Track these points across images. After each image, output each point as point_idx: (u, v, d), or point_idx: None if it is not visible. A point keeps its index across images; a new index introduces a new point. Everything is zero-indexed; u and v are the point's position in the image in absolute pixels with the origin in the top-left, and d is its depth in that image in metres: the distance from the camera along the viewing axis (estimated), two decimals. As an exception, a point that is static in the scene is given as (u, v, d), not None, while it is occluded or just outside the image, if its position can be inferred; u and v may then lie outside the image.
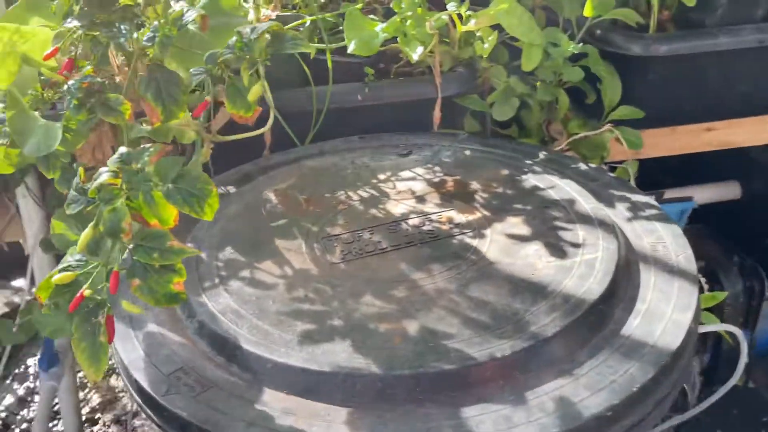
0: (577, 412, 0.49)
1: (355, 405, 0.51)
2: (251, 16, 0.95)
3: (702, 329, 0.58)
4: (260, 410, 0.51)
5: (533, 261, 0.64)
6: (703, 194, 1.28)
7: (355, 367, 0.53)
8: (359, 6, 1.01)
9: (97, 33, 0.55)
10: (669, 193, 1.24)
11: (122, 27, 0.55)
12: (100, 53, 0.57)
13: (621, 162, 1.09)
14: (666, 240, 0.68)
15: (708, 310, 0.94)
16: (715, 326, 0.59)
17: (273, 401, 0.52)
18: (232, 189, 0.84)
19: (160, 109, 0.56)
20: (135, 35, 0.55)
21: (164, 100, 0.55)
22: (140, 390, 0.54)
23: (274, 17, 1.04)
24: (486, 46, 0.94)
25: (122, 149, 0.51)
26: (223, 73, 0.55)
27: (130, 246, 0.52)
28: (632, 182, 1.08)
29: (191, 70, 0.57)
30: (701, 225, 1.25)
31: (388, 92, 0.95)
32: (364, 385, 0.52)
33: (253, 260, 0.68)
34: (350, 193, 0.79)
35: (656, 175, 1.23)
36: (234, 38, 0.53)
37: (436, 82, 0.94)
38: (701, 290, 1.11)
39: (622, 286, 0.62)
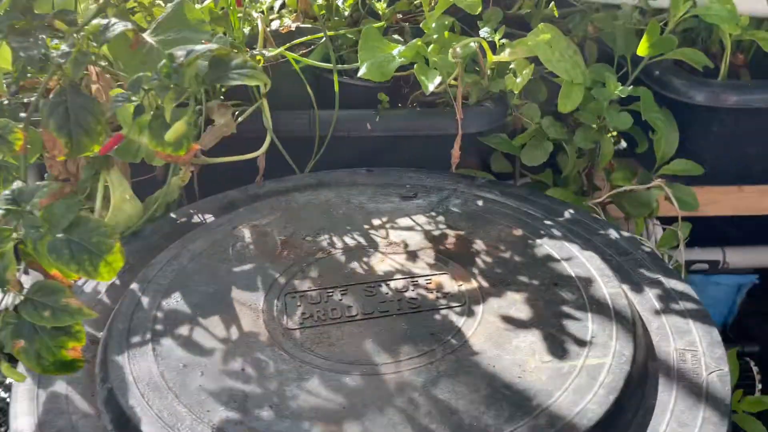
0: None
1: None
2: (260, 26, 0.87)
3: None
4: None
5: (524, 358, 0.52)
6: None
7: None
8: (381, 24, 0.91)
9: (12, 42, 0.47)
10: (730, 253, 1.07)
11: (41, 37, 0.47)
12: (20, 65, 0.49)
13: (674, 219, 0.93)
14: (699, 347, 0.54)
15: (755, 415, 0.79)
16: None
17: None
18: (210, 218, 0.75)
19: (63, 141, 0.47)
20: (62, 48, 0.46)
21: (71, 131, 0.46)
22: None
23: (293, 29, 0.96)
24: (519, 80, 0.82)
25: (17, 183, 0.43)
26: (150, 101, 0.46)
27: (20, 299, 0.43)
28: (682, 248, 0.93)
29: (113, 96, 0.48)
30: (761, 301, 1.08)
31: (401, 123, 0.85)
32: None
33: (198, 314, 0.58)
34: (335, 239, 0.69)
35: (719, 229, 1.07)
36: (163, 61, 0.44)
37: (457, 117, 0.83)
38: (751, 386, 0.95)
39: (630, 409, 0.49)
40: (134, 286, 0.61)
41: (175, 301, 0.60)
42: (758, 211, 1.02)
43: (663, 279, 0.62)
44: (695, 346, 0.54)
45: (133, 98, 0.45)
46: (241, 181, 0.84)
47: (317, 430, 0.46)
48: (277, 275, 0.63)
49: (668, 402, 0.49)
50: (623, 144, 1.00)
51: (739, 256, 1.06)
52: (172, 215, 0.76)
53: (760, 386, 0.96)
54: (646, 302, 0.60)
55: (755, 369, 0.96)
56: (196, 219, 0.76)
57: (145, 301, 0.59)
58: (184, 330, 0.56)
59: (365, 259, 0.66)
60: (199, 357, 0.53)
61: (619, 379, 0.49)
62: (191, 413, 0.48)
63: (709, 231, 1.02)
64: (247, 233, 0.70)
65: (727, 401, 0.48)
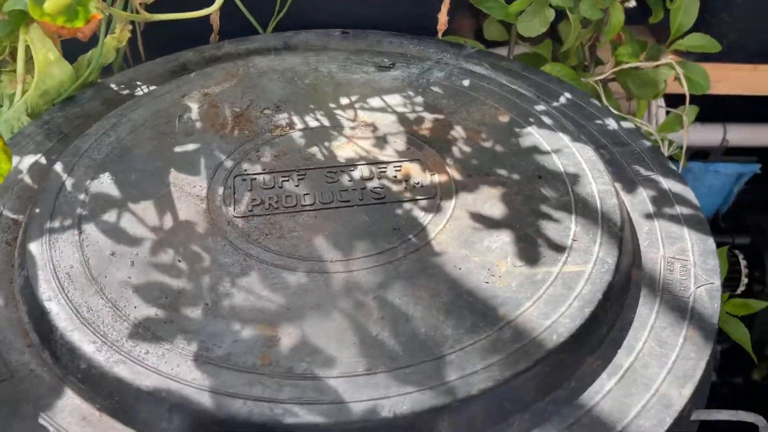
0: None
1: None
2: None
3: (704, 415, 0.41)
4: (47, 428, 0.38)
5: (494, 262, 0.46)
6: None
7: (185, 394, 0.38)
8: None
9: None
10: (731, 130, 0.99)
11: None
12: None
13: (678, 98, 0.85)
14: (690, 256, 0.48)
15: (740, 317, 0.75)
16: (725, 413, 0.41)
17: (72, 415, 0.38)
18: (158, 83, 0.66)
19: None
20: None
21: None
22: None
23: None
24: (521, -70, 0.70)
25: None
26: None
27: None
28: (686, 134, 0.86)
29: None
30: (758, 187, 1.01)
31: (381, -21, 0.73)
32: (194, 424, 0.37)
33: (133, 196, 0.51)
34: (296, 115, 0.61)
35: (723, 106, 0.99)
36: None
37: (446, -26, 0.71)
38: (734, 285, 0.91)
39: (606, 323, 0.44)
40: (63, 161, 0.54)
41: (108, 180, 0.53)
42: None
43: (661, 178, 0.55)
44: (686, 255, 0.48)
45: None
46: (196, 41, 0.74)
47: (253, 334, 0.41)
48: (226, 154, 0.56)
49: (648, 316, 0.44)
50: (632, 2, 0.88)
51: (739, 134, 1.00)
52: (114, 78, 0.67)
53: (745, 281, 0.92)
54: (638, 202, 0.54)
55: (743, 263, 0.92)
56: (141, 83, 0.67)
57: (73, 178, 0.52)
58: (115, 214, 0.50)
59: (328, 141, 0.58)
60: (130, 246, 0.47)
61: (598, 291, 0.44)
62: (114, 309, 0.42)
63: (713, 107, 0.95)
64: (196, 103, 0.62)
65: (714, 320, 0.44)
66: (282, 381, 0.38)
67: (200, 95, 0.63)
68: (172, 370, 0.39)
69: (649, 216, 0.52)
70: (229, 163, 0.55)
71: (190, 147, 0.57)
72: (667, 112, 0.90)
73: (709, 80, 0.83)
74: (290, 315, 0.43)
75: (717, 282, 0.46)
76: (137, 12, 0.63)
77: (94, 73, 0.62)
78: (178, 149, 0.56)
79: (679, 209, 0.52)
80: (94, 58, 0.61)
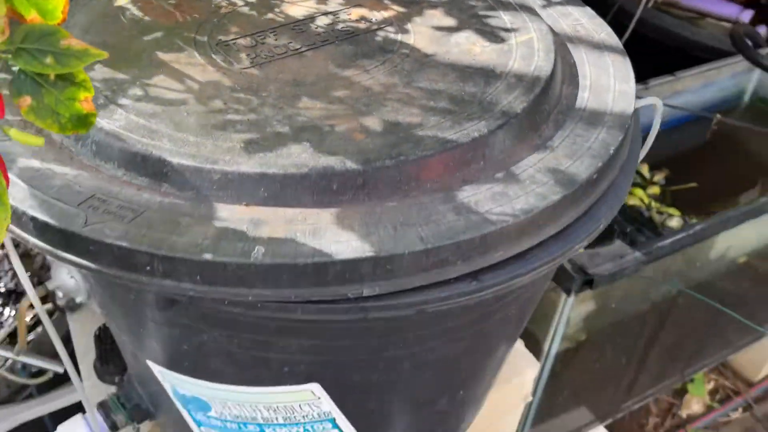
0: (568, 178, 0.47)
1: (335, 206, 0.44)
2: None
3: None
4: (222, 226, 0.41)
5: (469, 47, 0.59)
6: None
7: (326, 165, 0.44)
8: None
9: None
10: None
11: None
12: None
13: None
14: (583, 21, 0.66)
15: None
16: (642, 101, 0.59)
17: (233, 215, 0.42)
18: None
19: None
20: None
21: None
22: (45, 229, 0.41)
23: None
24: None
25: None
26: None
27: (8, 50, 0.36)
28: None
29: None
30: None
31: None
32: (342, 182, 0.44)
33: (138, 74, 0.53)
34: (229, -3, 0.65)
35: None
36: None
37: None
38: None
39: (563, 63, 0.59)
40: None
41: (100, 69, 0.53)
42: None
43: (532, -17, 0.72)
44: (580, 21, 0.66)
45: None
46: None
47: (339, 128, 0.48)
48: (192, 34, 0.59)
49: (581, 57, 0.61)
50: None
51: None
52: None
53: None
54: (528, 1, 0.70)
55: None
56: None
57: (66, 72, 0.52)
58: (136, 90, 0.51)
59: (276, 7, 0.64)
60: (174, 105, 0.50)
61: (550, 44, 0.59)
62: (208, 139, 0.46)
63: None
64: (130, 4, 0.63)
65: (620, 45, 0.62)
66: (389, 141, 0.47)
67: (127, -2, 0.64)
68: (301, 159, 0.44)
69: (542, 6, 0.69)
70: (202, 38, 0.59)
71: (156, 33, 0.59)
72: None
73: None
74: (354, 111, 0.50)
75: (609, 28, 0.64)
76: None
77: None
78: (145, 37, 0.58)
79: (557, -3, 0.70)
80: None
